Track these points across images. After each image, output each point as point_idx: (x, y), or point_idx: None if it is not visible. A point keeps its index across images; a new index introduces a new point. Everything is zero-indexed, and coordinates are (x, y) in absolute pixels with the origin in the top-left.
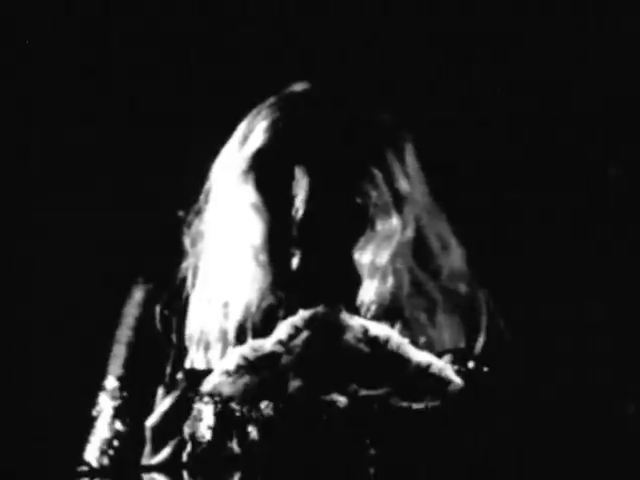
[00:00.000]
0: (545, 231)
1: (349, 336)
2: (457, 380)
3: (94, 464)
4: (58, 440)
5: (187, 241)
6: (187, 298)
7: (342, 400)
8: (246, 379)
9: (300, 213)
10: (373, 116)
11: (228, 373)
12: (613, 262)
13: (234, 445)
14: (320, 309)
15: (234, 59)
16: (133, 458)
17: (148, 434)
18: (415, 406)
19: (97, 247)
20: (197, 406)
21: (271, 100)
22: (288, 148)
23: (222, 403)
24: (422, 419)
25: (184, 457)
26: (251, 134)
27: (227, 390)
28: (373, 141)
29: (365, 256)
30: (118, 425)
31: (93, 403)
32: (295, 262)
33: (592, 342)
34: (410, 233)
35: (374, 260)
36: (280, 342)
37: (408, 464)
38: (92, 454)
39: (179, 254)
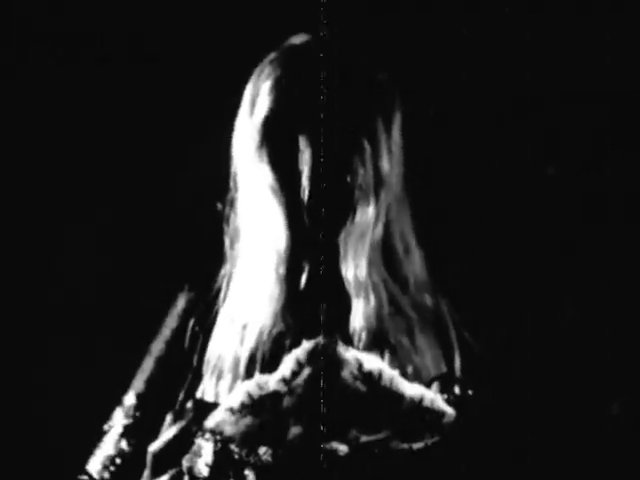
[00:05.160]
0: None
1: (346, 373)
2: (449, 410)
3: (95, 476)
4: (66, 446)
5: (227, 241)
6: (217, 313)
7: (342, 449)
8: (248, 420)
9: (306, 193)
10: (370, 75)
11: (232, 411)
12: (590, 260)
13: None
14: (320, 340)
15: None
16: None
17: (149, 459)
18: (415, 446)
19: (134, 252)
20: (198, 441)
21: (272, 55)
22: (291, 115)
23: (222, 443)
24: (424, 458)
25: None
26: (257, 97)
27: (228, 430)
28: (367, 106)
29: (350, 270)
30: (123, 444)
31: (109, 415)
32: (304, 278)
33: (572, 342)
34: (380, 230)
35: (355, 273)
36: (284, 380)
37: None
38: (94, 467)
39: (220, 258)
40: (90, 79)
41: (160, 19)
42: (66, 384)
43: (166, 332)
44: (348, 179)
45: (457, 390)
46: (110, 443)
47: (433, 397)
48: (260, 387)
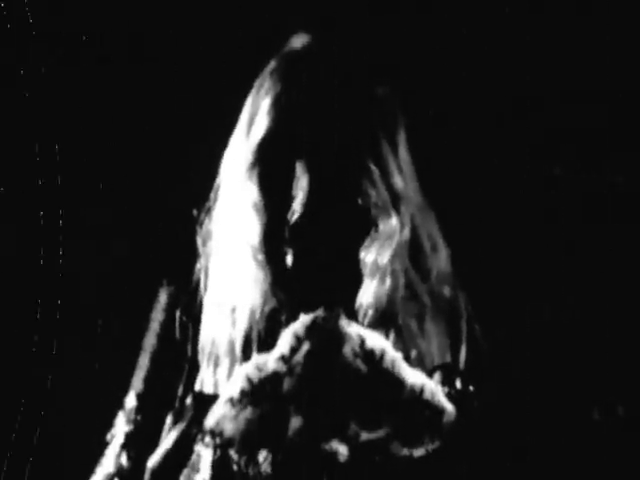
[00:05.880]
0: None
1: (347, 349)
2: (449, 408)
3: None
4: (67, 449)
5: (199, 241)
6: (201, 302)
7: (343, 452)
8: (248, 413)
9: (296, 216)
10: (371, 90)
11: (232, 402)
12: (583, 263)
13: None
14: (320, 313)
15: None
16: None
17: (147, 477)
18: (416, 453)
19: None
20: (197, 448)
21: (273, 65)
22: (290, 137)
23: (221, 448)
24: (424, 467)
25: None
26: (256, 116)
27: (229, 428)
28: (370, 130)
29: (369, 255)
30: (123, 459)
31: (112, 421)
32: (289, 260)
33: (573, 342)
34: (407, 233)
35: (376, 259)
36: (282, 358)
37: None
38: None
39: (194, 255)
40: (90, 79)
41: (160, 19)
42: (66, 385)
43: (155, 326)
44: (360, 201)
45: (458, 384)
46: (110, 457)
47: (434, 389)
48: (259, 369)
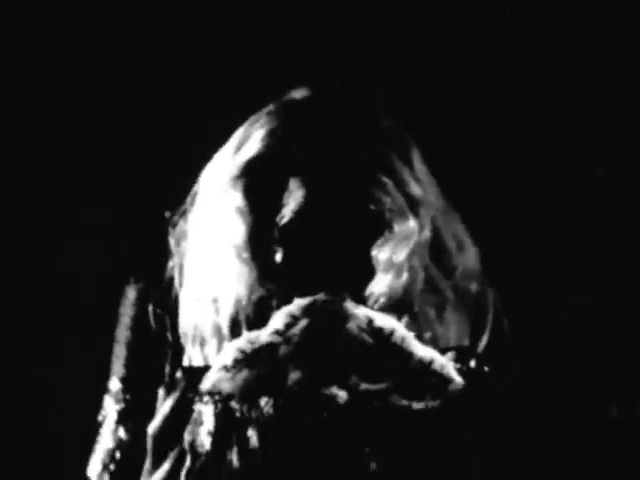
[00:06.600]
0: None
1: (352, 325)
2: (458, 379)
3: None
4: (68, 450)
5: (172, 241)
6: (176, 296)
7: (342, 395)
8: (244, 374)
9: (285, 220)
10: (376, 125)
11: (226, 368)
12: (602, 262)
13: (234, 456)
14: (320, 296)
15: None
16: (134, 475)
17: (149, 443)
18: (415, 405)
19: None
20: (197, 407)
21: (270, 107)
22: (284, 158)
23: (222, 402)
24: (421, 420)
25: (183, 475)
26: (246, 142)
27: (226, 387)
28: (379, 151)
29: (383, 253)
30: (121, 432)
31: (99, 407)
32: (278, 257)
33: (576, 344)
34: (427, 233)
35: (391, 257)
36: (277, 332)
37: (407, 470)
38: (94, 469)
39: (166, 253)
40: (90, 79)
41: (160, 19)
42: (66, 384)
43: (125, 320)
44: (372, 207)
45: (472, 364)
46: (108, 434)
47: (444, 363)
48: (251, 342)
